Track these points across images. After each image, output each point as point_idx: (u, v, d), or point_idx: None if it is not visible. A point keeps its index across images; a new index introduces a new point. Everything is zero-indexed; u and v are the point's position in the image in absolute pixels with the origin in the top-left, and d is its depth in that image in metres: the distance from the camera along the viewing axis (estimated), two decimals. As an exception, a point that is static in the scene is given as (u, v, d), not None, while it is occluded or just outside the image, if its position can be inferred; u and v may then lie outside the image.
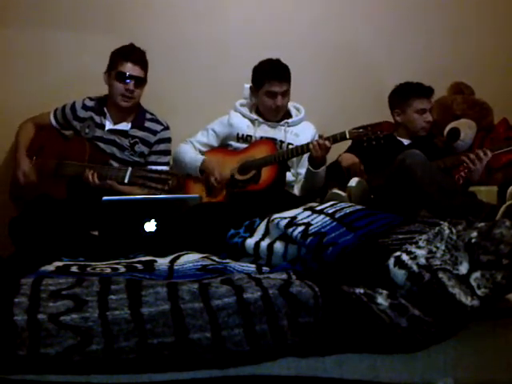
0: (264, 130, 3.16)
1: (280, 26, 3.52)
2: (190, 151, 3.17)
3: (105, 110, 3.03)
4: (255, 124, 3.16)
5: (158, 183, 2.62)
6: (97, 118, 3.03)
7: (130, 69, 2.91)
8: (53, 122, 3.11)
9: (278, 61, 3.09)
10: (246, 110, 3.21)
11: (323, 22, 3.56)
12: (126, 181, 2.71)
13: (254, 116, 3.17)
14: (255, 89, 3.14)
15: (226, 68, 3.47)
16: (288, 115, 3.21)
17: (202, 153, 3.19)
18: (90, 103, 3.07)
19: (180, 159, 3.17)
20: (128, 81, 2.91)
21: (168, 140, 3.11)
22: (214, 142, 3.21)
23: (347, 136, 2.84)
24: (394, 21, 3.63)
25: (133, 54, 2.93)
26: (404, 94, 3.14)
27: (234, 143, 3.17)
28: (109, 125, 3.03)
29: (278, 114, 3.16)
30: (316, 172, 2.94)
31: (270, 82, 3.05)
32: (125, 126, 3.03)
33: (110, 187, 2.80)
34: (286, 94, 3.09)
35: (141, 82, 2.95)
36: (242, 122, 3.18)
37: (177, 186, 2.70)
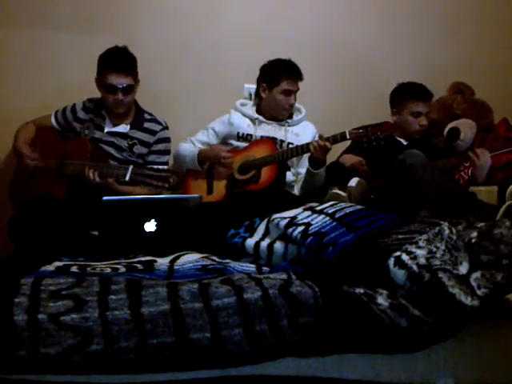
0: (264, 130, 3.16)
1: (280, 25, 3.52)
2: (189, 147, 3.19)
3: (103, 112, 3.04)
4: (255, 123, 3.16)
5: (158, 181, 2.62)
6: (96, 120, 3.04)
7: (115, 80, 2.88)
8: (54, 123, 3.12)
9: (291, 60, 3.11)
10: (246, 110, 3.21)
11: (324, 22, 3.56)
12: (127, 178, 2.70)
13: (255, 115, 3.18)
14: (268, 87, 3.13)
15: (226, 68, 3.47)
16: (289, 115, 3.22)
17: None
18: (90, 105, 3.07)
19: (179, 155, 3.18)
20: (116, 91, 2.89)
21: (167, 140, 3.11)
22: (214, 141, 3.21)
23: (347, 136, 2.83)
24: (394, 21, 3.63)
25: (116, 62, 2.89)
26: (401, 95, 3.15)
27: (234, 142, 3.17)
28: (108, 127, 3.03)
29: (288, 113, 3.17)
30: (316, 172, 2.94)
31: (290, 79, 3.07)
32: (123, 128, 3.03)
33: (111, 186, 2.80)
34: (297, 92, 3.11)
35: (129, 88, 2.93)
36: (242, 121, 3.19)
37: (178, 184, 2.70)
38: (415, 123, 3.10)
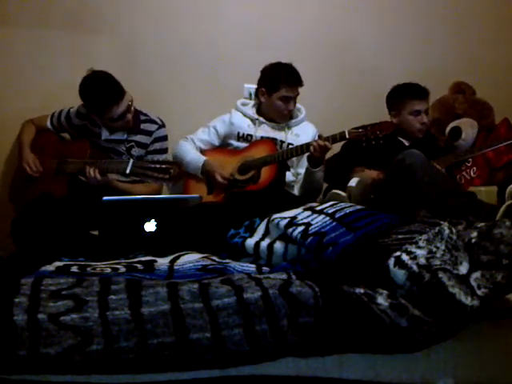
0: (264, 130, 3.16)
1: (279, 25, 3.52)
2: (191, 151, 3.16)
3: (98, 122, 3.01)
4: (256, 123, 3.16)
5: (159, 173, 2.63)
6: (93, 129, 3.02)
7: (115, 112, 2.87)
8: (49, 126, 3.11)
9: (291, 65, 3.08)
10: (247, 110, 3.21)
11: (323, 22, 3.56)
12: (127, 171, 2.71)
13: (255, 116, 3.17)
14: (267, 92, 3.11)
15: (226, 68, 3.47)
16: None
17: (201, 151, 3.18)
18: (84, 111, 3.02)
19: (180, 157, 3.16)
20: (120, 119, 2.90)
21: (163, 138, 3.09)
22: (215, 140, 3.21)
23: (347, 136, 2.83)
24: (394, 20, 3.63)
25: (109, 96, 2.86)
26: (399, 96, 3.15)
27: (234, 142, 3.17)
28: (105, 135, 3.02)
29: (287, 117, 3.16)
30: (315, 171, 2.95)
31: (289, 87, 3.05)
32: (121, 135, 3.02)
33: (111, 183, 2.81)
34: (296, 97, 3.11)
35: (128, 109, 2.92)
36: (242, 122, 3.18)
37: (178, 174, 2.70)
38: (416, 122, 3.11)
